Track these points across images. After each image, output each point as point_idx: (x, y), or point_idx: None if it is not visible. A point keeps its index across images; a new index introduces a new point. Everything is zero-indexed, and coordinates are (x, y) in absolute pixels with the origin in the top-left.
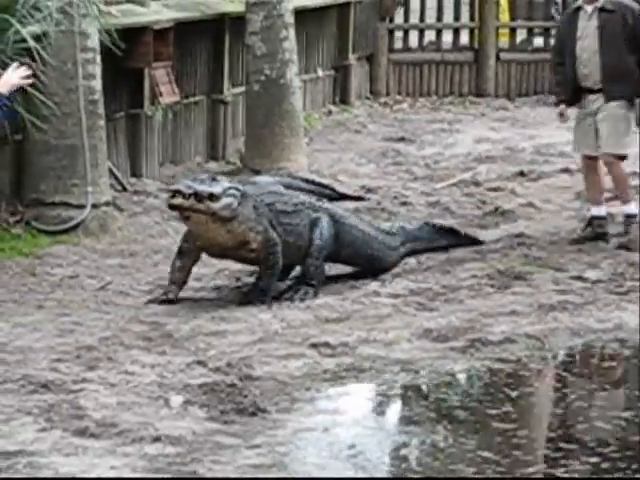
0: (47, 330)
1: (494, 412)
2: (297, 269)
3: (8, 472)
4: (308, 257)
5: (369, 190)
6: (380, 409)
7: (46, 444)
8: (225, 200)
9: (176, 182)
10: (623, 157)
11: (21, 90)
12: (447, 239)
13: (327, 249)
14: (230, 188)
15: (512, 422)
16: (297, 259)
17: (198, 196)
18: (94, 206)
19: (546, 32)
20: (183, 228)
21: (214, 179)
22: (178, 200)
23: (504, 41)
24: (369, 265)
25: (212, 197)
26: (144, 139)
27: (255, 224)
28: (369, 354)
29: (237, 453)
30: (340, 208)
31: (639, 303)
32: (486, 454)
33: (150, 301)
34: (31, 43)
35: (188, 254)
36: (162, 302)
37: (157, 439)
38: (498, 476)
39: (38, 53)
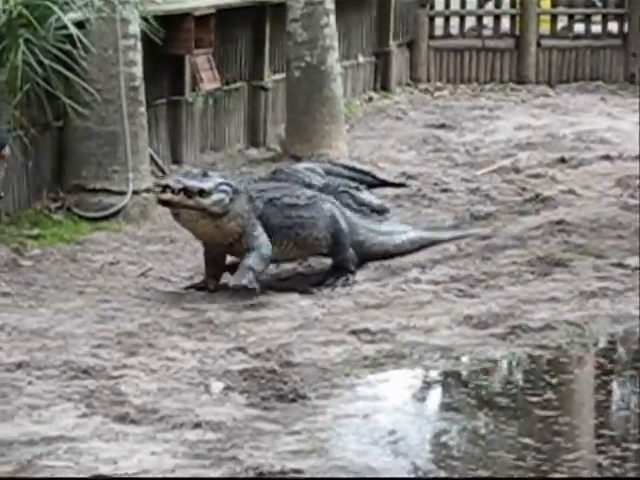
0: (88, 316)
1: (535, 399)
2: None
3: (49, 458)
4: (335, 247)
5: (409, 177)
6: (420, 396)
7: (87, 430)
8: (216, 196)
9: (166, 177)
10: None
11: (64, 77)
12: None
13: (349, 237)
14: (222, 184)
15: (553, 409)
16: (315, 250)
17: (188, 192)
18: (135, 192)
19: (587, 19)
20: None
21: (205, 174)
22: (167, 195)
23: (545, 28)
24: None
25: (202, 193)
26: (185, 126)
27: (244, 220)
28: (409, 341)
29: (277, 439)
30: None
31: None
32: (527, 440)
33: (189, 287)
34: (73, 30)
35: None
36: (200, 289)
37: (197, 425)
38: (537, 462)
39: (79, 40)
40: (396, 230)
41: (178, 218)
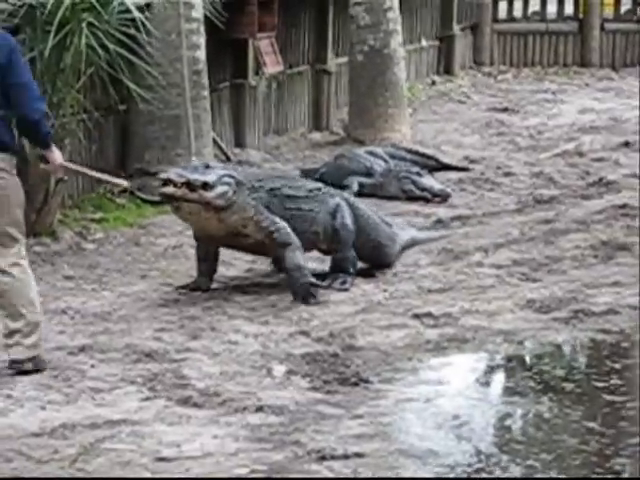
0: (151, 300)
1: (598, 383)
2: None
3: (112, 441)
4: (338, 250)
5: (473, 161)
6: (483, 380)
7: (150, 413)
8: (219, 188)
9: (167, 170)
10: None
11: (127, 61)
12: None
13: (353, 235)
14: (224, 176)
15: (616, 394)
16: (313, 245)
17: (191, 185)
18: None
19: None
20: None
21: (207, 166)
22: (170, 189)
23: (609, 11)
24: (375, 257)
25: (205, 186)
26: (248, 109)
27: (249, 212)
28: (472, 325)
29: (339, 423)
30: (351, 196)
31: None
32: (591, 425)
33: (180, 287)
34: (136, 14)
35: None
36: (193, 290)
37: (260, 409)
38: (600, 446)
39: (143, 24)
40: (404, 238)
41: (178, 211)
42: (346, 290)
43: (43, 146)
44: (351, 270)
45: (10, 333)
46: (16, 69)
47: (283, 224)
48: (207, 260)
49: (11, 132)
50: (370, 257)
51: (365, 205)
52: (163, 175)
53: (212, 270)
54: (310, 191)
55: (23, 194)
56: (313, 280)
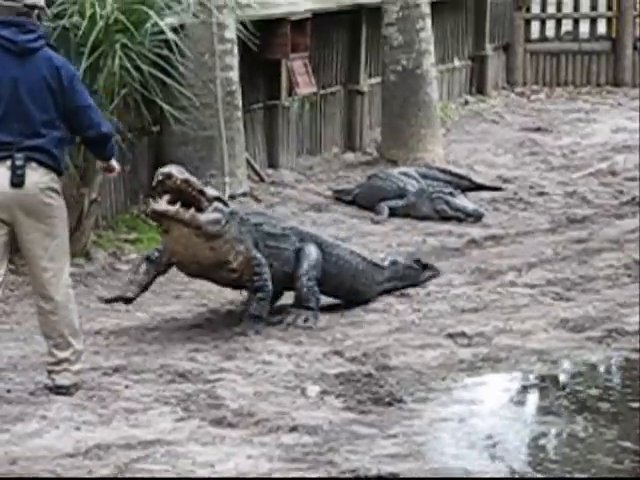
0: (185, 320)
1: (632, 403)
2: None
3: (147, 461)
4: (297, 281)
5: (506, 180)
6: (517, 399)
7: (184, 433)
8: (212, 215)
9: (166, 166)
10: None
11: (160, 82)
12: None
13: (317, 272)
14: (218, 199)
15: None
16: (284, 285)
17: (190, 186)
18: (231, 197)
19: None
20: (322, 219)
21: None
22: (161, 206)
23: None
24: (350, 298)
25: (202, 194)
26: (281, 130)
27: (239, 244)
28: (506, 344)
29: (373, 443)
30: (329, 237)
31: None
32: (625, 444)
33: (108, 300)
34: (169, 35)
35: (157, 264)
36: (120, 300)
37: (294, 429)
38: (635, 465)
39: (176, 45)
40: (391, 277)
41: (167, 235)
42: (310, 328)
43: (110, 157)
44: (312, 305)
45: (58, 362)
46: (80, 93)
47: (266, 269)
48: (147, 274)
49: (64, 154)
50: (345, 296)
51: (344, 248)
52: (163, 170)
53: (146, 284)
54: (284, 229)
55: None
56: (259, 330)
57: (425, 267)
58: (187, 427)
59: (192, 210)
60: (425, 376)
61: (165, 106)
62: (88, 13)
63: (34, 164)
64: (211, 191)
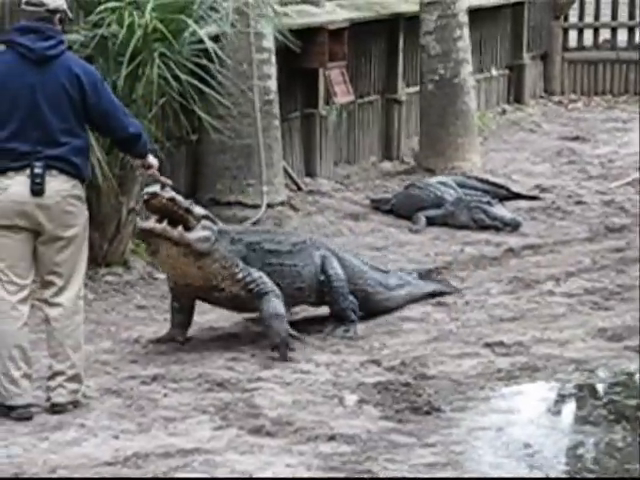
0: (223, 329)
1: None
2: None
3: (185, 470)
4: (332, 296)
5: (543, 189)
6: (555, 408)
7: (222, 442)
8: (201, 232)
9: (152, 185)
10: None
11: (199, 91)
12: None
13: (345, 283)
14: (206, 217)
15: None
16: (297, 301)
17: (176, 204)
18: (269, 206)
19: None
20: (358, 228)
21: (191, 204)
22: (149, 224)
23: None
24: (363, 305)
25: (189, 213)
26: (319, 139)
27: (226, 262)
28: (543, 353)
29: (411, 452)
30: (338, 247)
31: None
32: None
33: (155, 341)
34: (209, 44)
35: (175, 296)
36: (169, 341)
37: (332, 438)
38: None
39: (215, 53)
40: (398, 284)
41: (156, 255)
42: (350, 339)
43: (145, 155)
44: (353, 317)
45: (54, 375)
46: (105, 96)
47: (259, 273)
48: (182, 312)
49: (87, 162)
50: (359, 306)
51: (352, 255)
52: (148, 189)
53: (187, 322)
54: (294, 245)
55: (88, 225)
56: (291, 331)
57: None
58: (225, 436)
59: (180, 228)
60: (463, 385)
61: (203, 115)
62: (127, 22)
63: (54, 172)
64: (198, 209)
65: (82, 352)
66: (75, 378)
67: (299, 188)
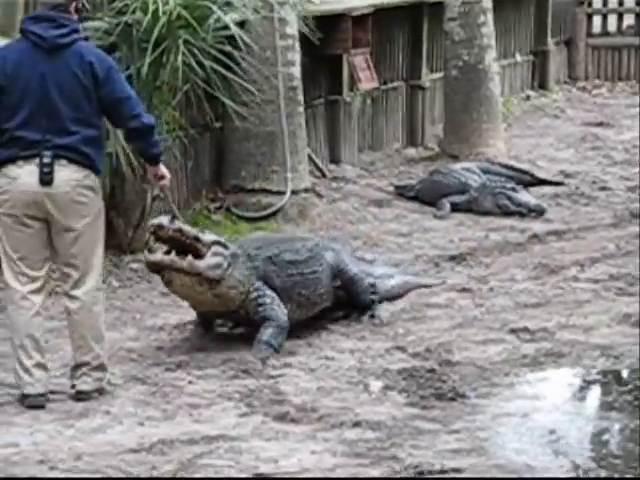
0: None
1: None
2: None
3: (210, 456)
4: (350, 291)
5: (568, 175)
6: (580, 394)
7: (247, 429)
8: (212, 259)
9: (158, 217)
10: None
11: (223, 78)
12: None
13: (357, 270)
14: (217, 243)
15: None
16: (323, 306)
17: (183, 235)
18: (293, 192)
19: None
20: (382, 215)
21: (201, 231)
22: (156, 257)
23: None
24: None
25: (197, 241)
26: (343, 125)
27: (246, 286)
28: (568, 339)
29: (436, 438)
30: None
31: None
32: None
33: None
34: (234, 30)
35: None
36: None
37: (357, 424)
38: None
39: (241, 39)
40: (385, 274)
41: (170, 285)
42: (379, 324)
43: (157, 157)
44: (374, 299)
45: (78, 365)
46: (119, 84)
47: (273, 299)
48: (206, 324)
49: (101, 152)
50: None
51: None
52: (154, 221)
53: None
54: (310, 250)
55: (103, 216)
56: (267, 358)
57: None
58: (250, 422)
59: (189, 257)
60: (488, 371)
61: (227, 102)
62: (151, 9)
63: (64, 161)
64: (208, 236)
65: (104, 342)
66: (100, 367)
67: (323, 175)
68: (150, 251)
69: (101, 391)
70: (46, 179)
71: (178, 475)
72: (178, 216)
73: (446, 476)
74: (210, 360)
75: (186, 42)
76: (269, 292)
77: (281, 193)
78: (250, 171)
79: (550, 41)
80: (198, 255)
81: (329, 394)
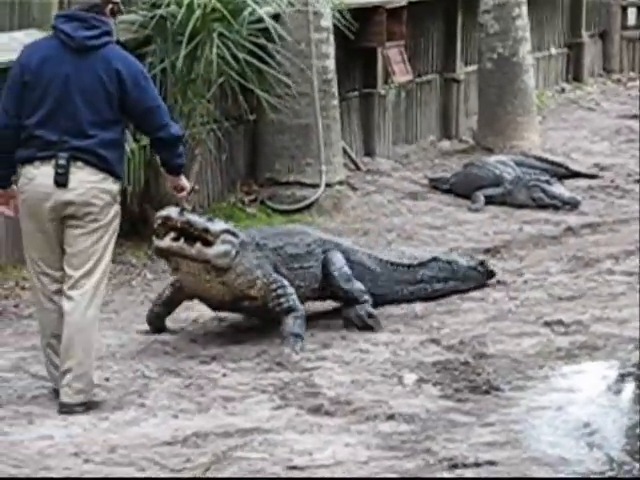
0: None
1: None
2: None
3: (244, 449)
4: (335, 284)
5: (602, 168)
6: (614, 387)
7: (281, 421)
8: (221, 247)
9: (166, 208)
10: None
11: (257, 70)
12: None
13: (347, 273)
14: (227, 232)
15: None
16: (309, 300)
17: (192, 227)
18: (328, 185)
19: None
20: (416, 207)
21: (210, 219)
22: (165, 243)
23: None
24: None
25: (206, 232)
26: (377, 118)
27: (254, 272)
28: (603, 332)
29: (471, 431)
30: (350, 243)
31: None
32: None
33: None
34: (269, 22)
35: (168, 304)
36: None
37: (391, 417)
38: None
39: (275, 32)
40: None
41: (177, 272)
42: (368, 318)
43: (179, 169)
44: (364, 298)
45: (62, 372)
46: (147, 93)
47: (291, 289)
48: (169, 307)
49: (119, 157)
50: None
51: (365, 253)
52: (161, 213)
53: (159, 329)
54: (308, 245)
55: (118, 224)
56: (302, 349)
57: (490, 273)
58: (284, 415)
59: (198, 245)
60: (522, 364)
61: (262, 94)
62: (185, 2)
63: (80, 163)
64: (217, 225)
65: (92, 351)
66: (82, 377)
67: (358, 167)
68: (158, 237)
69: (87, 405)
70: (61, 180)
71: (212, 467)
72: (188, 209)
73: (480, 469)
74: (244, 353)
75: (221, 35)
76: (286, 282)
77: (315, 186)
78: (284, 164)
79: (585, 33)
80: (207, 242)
81: (363, 387)
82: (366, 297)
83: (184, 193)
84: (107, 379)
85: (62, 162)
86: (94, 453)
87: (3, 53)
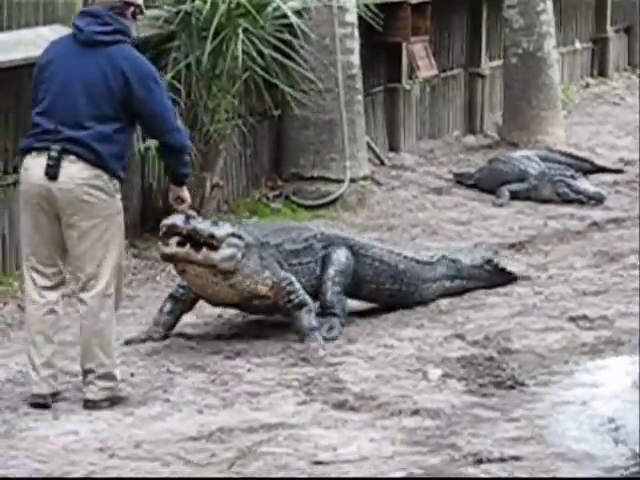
0: None
1: None
2: None
3: (269, 444)
4: (322, 286)
5: (627, 163)
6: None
7: (306, 417)
8: (227, 251)
9: (171, 216)
10: None
11: (281, 66)
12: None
13: (345, 277)
14: (232, 235)
15: None
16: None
17: (196, 237)
18: (352, 180)
19: None
20: (441, 202)
21: (215, 223)
22: (171, 249)
23: None
24: (395, 301)
25: (212, 238)
26: (402, 113)
27: (262, 272)
28: (628, 327)
29: (495, 426)
30: (364, 238)
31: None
32: None
33: (128, 342)
34: (292, 18)
35: (182, 302)
36: (144, 341)
37: (416, 412)
38: None
39: (299, 28)
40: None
41: (184, 275)
42: (334, 339)
43: (183, 179)
44: (336, 311)
45: (84, 372)
46: (155, 97)
47: (298, 285)
48: (171, 315)
49: (116, 153)
50: (389, 301)
51: (383, 249)
52: (167, 221)
53: (172, 325)
54: (306, 240)
55: (121, 221)
56: (322, 341)
57: (502, 271)
58: (309, 410)
59: (204, 250)
60: (547, 359)
61: (286, 90)
62: None
63: (72, 157)
64: (222, 230)
65: (112, 350)
66: (106, 376)
67: (382, 162)
68: (164, 243)
69: (112, 400)
70: (51, 172)
71: (237, 463)
72: (194, 216)
73: (505, 464)
74: (269, 348)
75: (245, 30)
76: (294, 278)
77: (340, 181)
78: (309, 159)
79: (610, 28)
80: (213, 247)
81: (388, 382)
82: (340, 312)
83: (185, 206)
84: (132, 374)
85: (54, 154)
86: (119, 448)
87: (30, 48)
